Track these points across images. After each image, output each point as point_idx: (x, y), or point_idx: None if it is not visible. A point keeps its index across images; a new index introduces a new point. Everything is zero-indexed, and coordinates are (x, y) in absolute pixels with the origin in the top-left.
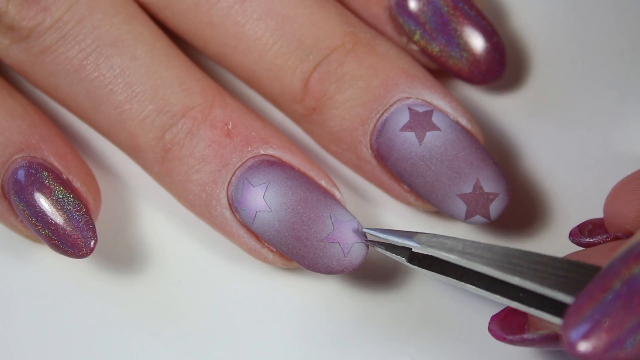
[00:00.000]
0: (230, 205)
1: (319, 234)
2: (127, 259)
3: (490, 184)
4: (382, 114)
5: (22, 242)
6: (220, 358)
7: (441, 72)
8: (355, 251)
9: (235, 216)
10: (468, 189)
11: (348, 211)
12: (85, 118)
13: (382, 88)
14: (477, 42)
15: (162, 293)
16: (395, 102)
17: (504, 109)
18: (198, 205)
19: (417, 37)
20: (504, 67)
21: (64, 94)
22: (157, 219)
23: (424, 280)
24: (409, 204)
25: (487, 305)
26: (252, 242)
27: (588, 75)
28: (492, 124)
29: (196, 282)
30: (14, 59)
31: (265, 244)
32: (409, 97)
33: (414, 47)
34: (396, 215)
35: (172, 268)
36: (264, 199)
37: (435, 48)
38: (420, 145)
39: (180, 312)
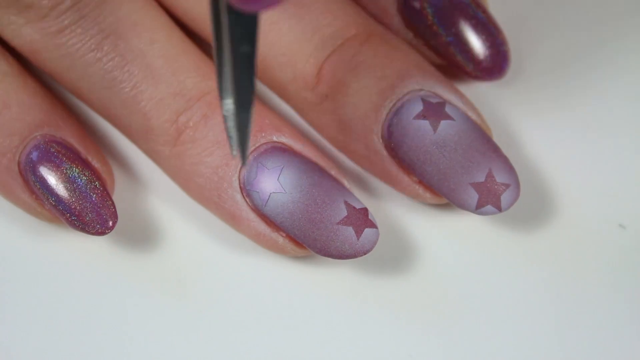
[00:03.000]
0: (241, 188)
1: (333, 217)
2: (133, 244)
3: (502, 175)
4: (395, 103)
5: (29, 222)
6: (225, 346)
7: (446, 67)
8: (367, 237)
9: (246, 200)
10: (481, 178)
11: (359, 200)
12: (95, 100)
13: (396, 78)
14: (481, 39)
15: (170, 280)
16: (408, 93)
17: (508, 103)
18: (207, 189)
19: (422, 32)
20: (507, 64)
21: (78, 75)
22: (164, 207)
23: (432, 270)
24: (416, 195)
25: (491, 300)
26: (262, 227)
27: (592, 68)
28: (497, 119)
29: (202, 271)
30: (26, 39)
31: (276, 228)
32: (422, 89)
33: (420, 42)
34: (397, 211)
35: (179, 259)
36: (278, 180)
37: (439, 44)
38: (434, 133)
39: (185, 303)
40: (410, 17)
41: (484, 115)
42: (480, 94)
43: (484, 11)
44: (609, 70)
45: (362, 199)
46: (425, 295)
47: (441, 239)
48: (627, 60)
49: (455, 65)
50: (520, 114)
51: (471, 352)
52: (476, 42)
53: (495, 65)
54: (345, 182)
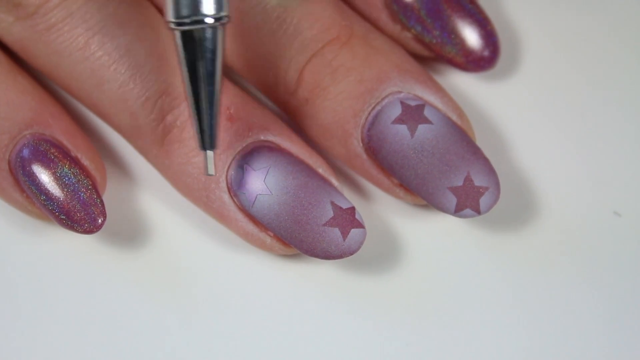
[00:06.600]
0: (229, 189)
1: (319, 219)
2: (125, 240)
3: (481, 178)
4: (374, 107)
5: (24, 219)
6: (218, 340)
7: (435, 59)
8: (354, 237)
9: (234, 200)
10: (459, 182)
11: (346, 198)
12: (85, 98)
13: (374, 81)
14: (470, 30)
15: (160, 278)
16: (387, 96)
17: (497, 99)
18: (196, 189)
19: (410, 25)
20: (497, 55)
21: (66, 72)
22: (158, 202)
23: (422, 268)
24: (398, 197)
25: (484, 293)
26: (250, 227)
27: (581, 65)
28: (484, 116)
29: (194, 268)
30: (16, 37)
31: (263, 228)
32: (401, 91)
33: (408, 35)
34: (385, 209)
35: (170, 255)
36: (264, 182)
37: (428, 36)
38: (412, 137)
39: (178, 299)
40: (399, 10)
41: (470, 111)
42: (467, 90)
43: (472, 2)
44: (598, 61)
45: (351, 195)
46: (415, 290)
47: (432, 235)
48: (619, 52)
49: (444, 57)
50: (510, 105)
51: (462, 347)
52: (465, 33)
53: (485, 55)
54: (334, 180)
